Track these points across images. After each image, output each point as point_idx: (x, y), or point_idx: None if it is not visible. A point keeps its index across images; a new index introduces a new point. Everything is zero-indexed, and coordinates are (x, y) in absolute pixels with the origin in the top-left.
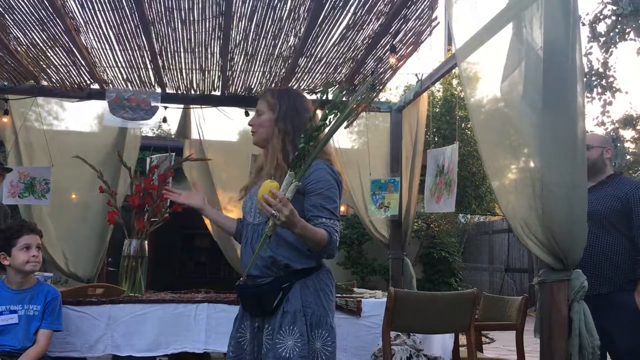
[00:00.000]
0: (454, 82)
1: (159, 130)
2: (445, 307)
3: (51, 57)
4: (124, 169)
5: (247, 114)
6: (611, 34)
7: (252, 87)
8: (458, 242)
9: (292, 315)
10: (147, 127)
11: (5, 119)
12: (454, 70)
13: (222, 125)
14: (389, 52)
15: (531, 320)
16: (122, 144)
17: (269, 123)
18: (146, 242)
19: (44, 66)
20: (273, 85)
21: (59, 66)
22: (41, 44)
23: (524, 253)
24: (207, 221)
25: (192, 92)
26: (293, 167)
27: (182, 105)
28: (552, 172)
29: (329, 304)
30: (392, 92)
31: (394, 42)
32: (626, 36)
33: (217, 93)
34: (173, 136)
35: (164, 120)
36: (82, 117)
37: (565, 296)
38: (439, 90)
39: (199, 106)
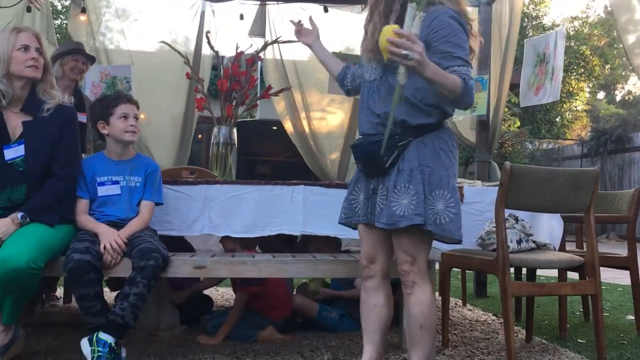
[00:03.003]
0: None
1: None
2: (565, 184)
3: None
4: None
5: (326, 10)
6: None
7: None
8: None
9: (407, 173)
10: None
11: (82, 18)
12: None
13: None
14: None
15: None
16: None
17: None
18: (235, 129)
19: None
20: None
21: None
22: None
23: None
24: (287, 125)
25: None
26: None
27: (258, 2)
28: None
29: (450, 165)
30: None
31: None
32: None
33: None
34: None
35: (241, 17)
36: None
37: None
38: None
39: (276, 2)
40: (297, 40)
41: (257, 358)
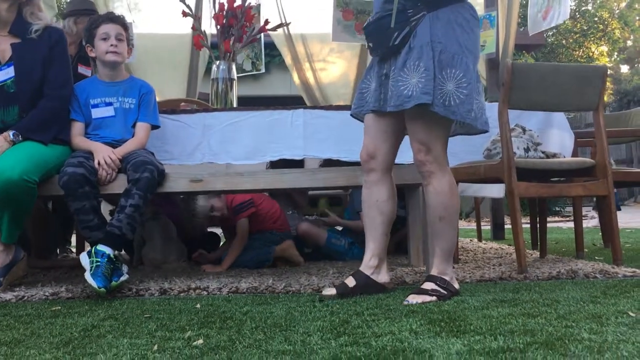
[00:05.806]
0: None
1: None
2: (570, 80)
3: None
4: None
5: None
6: None
7: None
8: None
9: (418, 50)
10: None
11: None
12: None
13: None
14: None
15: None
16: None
17: None
18: (234, 64)
19: None
20: None
21: None
22: None
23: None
24: (295, 77)
25: None
26: None
27: None
28: None
29: (467, 41)
30: None
31: None
32: None
33: None
34: None
35: None
36: None
37: None
38: None
39: None
40: None
41: (262, 277)
